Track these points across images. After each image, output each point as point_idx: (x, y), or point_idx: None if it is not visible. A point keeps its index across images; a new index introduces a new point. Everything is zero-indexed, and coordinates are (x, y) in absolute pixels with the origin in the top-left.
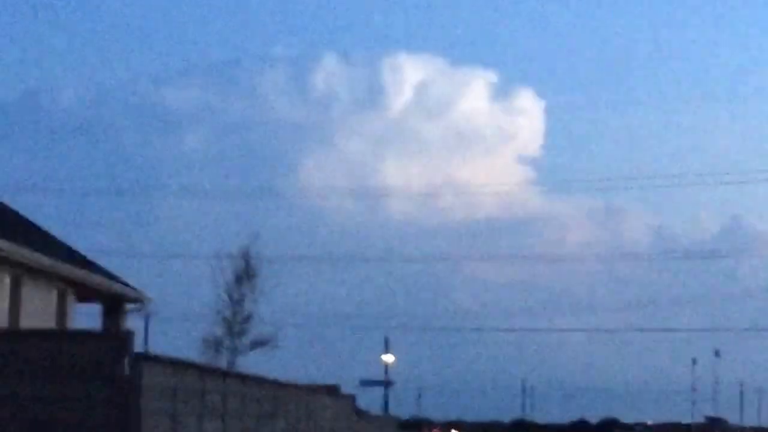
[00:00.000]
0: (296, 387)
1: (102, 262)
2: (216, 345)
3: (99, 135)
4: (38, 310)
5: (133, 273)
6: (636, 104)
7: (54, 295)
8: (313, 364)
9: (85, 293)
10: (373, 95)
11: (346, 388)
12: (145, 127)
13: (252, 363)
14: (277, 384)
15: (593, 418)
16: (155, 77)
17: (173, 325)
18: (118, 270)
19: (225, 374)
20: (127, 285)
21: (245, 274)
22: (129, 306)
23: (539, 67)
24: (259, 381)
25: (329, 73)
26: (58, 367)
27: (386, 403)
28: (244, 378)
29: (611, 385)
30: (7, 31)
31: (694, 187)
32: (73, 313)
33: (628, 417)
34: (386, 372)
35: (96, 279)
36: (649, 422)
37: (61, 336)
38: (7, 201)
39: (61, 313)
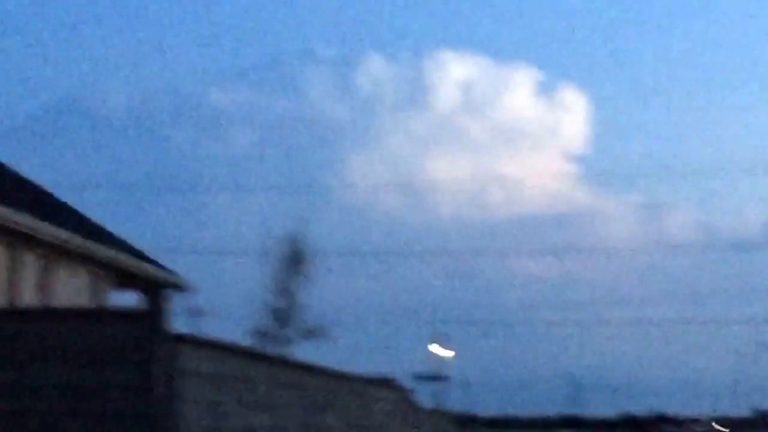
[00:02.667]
0: (350, 378)
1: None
2: (264, 336)
3: (146, 135)
4: (70, 295)
5: (180, 269)
6: (679, 97)
7: (87, 280)
8: (364, 358)
9: (124, 279)
10: (417, 93)
11: (399, 381)
12: (192, 127)
13: (301, 355)
14: (330, 374)
15: (640, 411)
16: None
17: (222, 320)
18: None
19: (273, 361)
20: (168, 270)
21: (294, 260)
22: (171, 293)
23: (582, 63)
24: (311, 370)
25: (374, 72)
26: (79, 351)
27: (440, 398)
28: (294, 366)
29: (659, 379)
30: (55, 34)
31: (739, 178)
32: (109, 299)
33: (675, 410)
34: (439, 366)
35: (134, 263)
36: (699, 417)
37: (81, 314)
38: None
39: (96, 299)
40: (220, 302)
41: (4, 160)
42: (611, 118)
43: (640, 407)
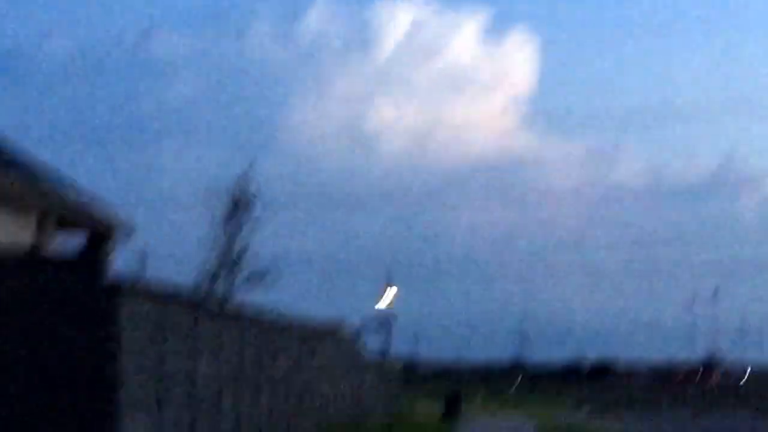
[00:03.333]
0: (297, 325)
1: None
2: (211, 281)
3: (88, 83)
4: (11, 238)
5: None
6: (629, 41)
7: (32, 223)
8: (311, 303)
9: (67, 220)
10: (363, 39)
11: (350, 329)
12: (135, 74)
13: (247, 301)
14: (276, 321)
15: (590, 357)
16: (143, 27)
17: (168, 266)
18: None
19: (220, 310)
20: (113, 212)
21: (240, 203)
22: (115, 235)
23: (531, 5)
24: (257, 317)
25: (319, 17)
26: (10, 300)
27: (386, 344)
28: (240, 313)
29: (608, 325)
30: None
31: (689, 123)
32: (51, 243)
33: (625, 356)
34: (386, 312)
35: (76, 203)
36: (646, 361)
37: (12, 261)
38: None
39: (40, 242)
40: (166, 249)
41: None
42: (560, 61)
43: (590, 352)
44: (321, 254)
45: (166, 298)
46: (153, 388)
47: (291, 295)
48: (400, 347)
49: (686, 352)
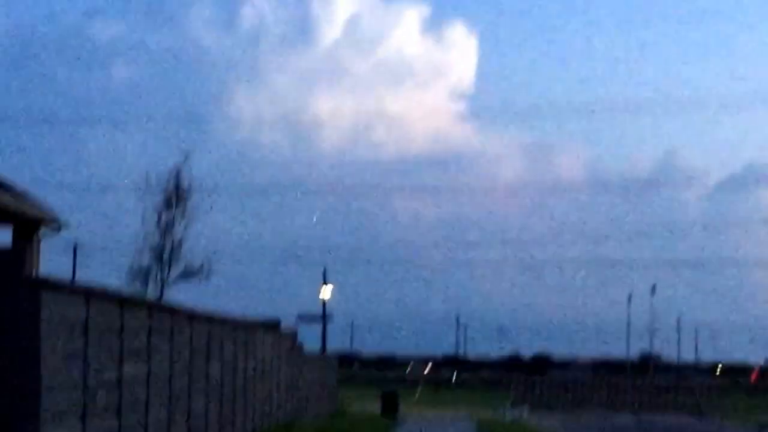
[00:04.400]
0: (233, 322)
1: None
2: (143, 275)
3: (22, 67)
4: None
5: (60, 207)
6: (569, 34)
7: None
8: (247, 298)
9: None
10: (302, 29)
11: (286, 325)
12: (72, 60)
13: (182, 296)
14: (211, 318)
15: (527, 353)
16: (82, 10)
17: (101, 257)
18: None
19: (148, 306)
20: (39, 205)
21: (174, 196)
22: (43, 230)
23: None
24: (191, 315)
25: (258, 5)
26: None
27: (324, 339)
28: (173, 311)
29: (545, 320)
30: None
31: (629, 116)
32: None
33: (562, 352)
34: (324, 306)
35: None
36: (583, 357)
37: None
38: None
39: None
40: (99, 241)
41: None
42: (498, 55)
43: (526, 348)
44: (258, 247)
45: (92, 294)
46: (77, 393)
47: (226, 291)
48: (338, 342)
49: (624, 350)
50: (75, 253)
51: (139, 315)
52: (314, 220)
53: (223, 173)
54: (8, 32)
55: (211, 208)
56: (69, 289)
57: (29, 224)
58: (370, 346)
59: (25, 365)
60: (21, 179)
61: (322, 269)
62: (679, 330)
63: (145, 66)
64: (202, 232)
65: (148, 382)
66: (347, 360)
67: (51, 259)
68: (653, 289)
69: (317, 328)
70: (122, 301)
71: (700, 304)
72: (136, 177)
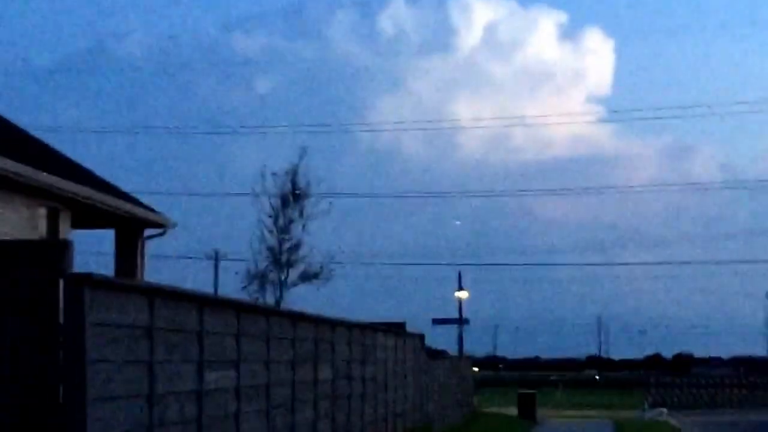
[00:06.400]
0: (348, 325)
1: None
2: (261, 279)
3: (163, 80)
4: (17, 232)
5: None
6: (701, 37)
7: (41, 215)
8: (379, 303)
9: (91, 216)
10: (442, 37)
11: (419, 328)
12: (213, 72)
13: (303, 300)
14: (319, 321)
15: (668, 352)
16: (223, 23)
17: (225, 264)
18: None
19: (239, 309)
20: (144, 206)
21: (292, 194)
22: (150, 232)
23: (605, 4)
24: (293, 317)
25: (398, 15)
26: None
27: (461, 342)
28: (268, 313)
29: (686, 320)
30: None
31: (760, 117)
32: (70, 237)
33: (702, 351)
34: (460, 309)
35: (98, 197)
36: (724, 357)
37: None
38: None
39: (52, 237)
40: (217, 243)
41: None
42: (635, 60)
43: (667, 348)
44: (393, 251)
45: (158, 293)
46: (138, 405)
47: (351, 295)
48: (483, 346)
49: (763, 348)
50: (216, 261)
51: (222, 317)
52: (457, 223)
53: (364, 179)
54: (155, 47)
55: (331, 207)
56: (122, 286)
57: (132, 226)
58: (514, 349)
59: (68, 371)
60: (155, 187)
61: (458, 276)
62: None
63: (285, 77)
64: (332, 235)
65: (237, 391)
66: (492, 363)
67: (163, 263)
68: None
69: (455, 330)
70: (200, 301)
71: None
72: (262, 181)
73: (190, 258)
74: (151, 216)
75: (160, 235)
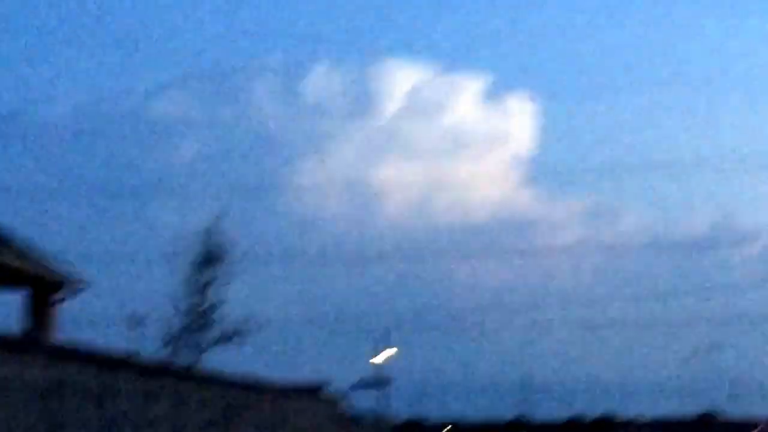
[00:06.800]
0: (265, 387)
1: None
2: (175, 341)
3: (83, 143)
4: None
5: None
6: (627, 97)
7: None
8: (296, 366)
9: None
10: (363, 101)
11: (343, 388)
12: (134, 136)
13: (217, 362)
14: (237, 383)
15: (592, 413)
16: (146, 88)
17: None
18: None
19: (161, 371)
20: (55, 267)
21: (209, 256)
22: (60, 292)
23: (529, 67)
24: (211, 380)
25: (319, 80)
26: None
27: (382, 405)
28: (187, 376)
29: (609, 381)
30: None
31: (687, 177)
32: None
33: (626, 411)
34: (380, 371)
35: (8, 257)
36: (646, 418)
37: None
38: None
39: None
40: (130, 306)
41: None
42: (558, 122)
43: (590, 409)
44: (311, 313)
45: (65, 356)
46: None
47: (271, 357)
48: (399, 407)
49: (685, 408)
50: (133, 323)
51: (132, 377)
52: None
53: (283, 242)
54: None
55: (248, 271)
56: (32, 349)
57: (43, 286)
58: (434, 411)
59: None
60: (52, 247)
61: (380, 335)
62: (739, 387)
63: (206, 141)
64: (247, 295)
65: None
66: (414, 426)
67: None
68: (712, 347)
69: (373, 392)
70: (105, 362)
71: (759, 361)
72: (180, 245)
73: (106, 319)
74: (62, 277)
75: (73, 295)
